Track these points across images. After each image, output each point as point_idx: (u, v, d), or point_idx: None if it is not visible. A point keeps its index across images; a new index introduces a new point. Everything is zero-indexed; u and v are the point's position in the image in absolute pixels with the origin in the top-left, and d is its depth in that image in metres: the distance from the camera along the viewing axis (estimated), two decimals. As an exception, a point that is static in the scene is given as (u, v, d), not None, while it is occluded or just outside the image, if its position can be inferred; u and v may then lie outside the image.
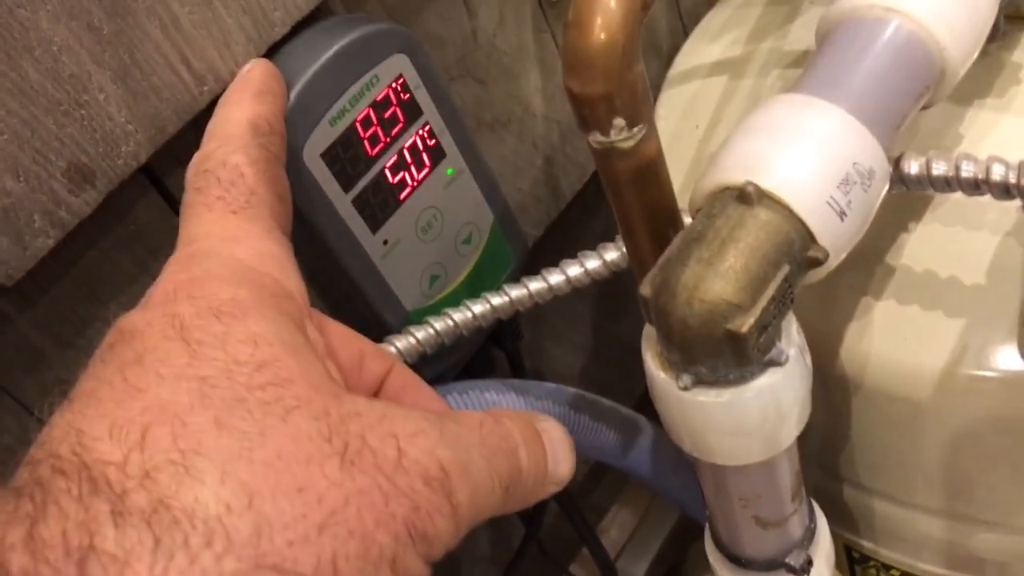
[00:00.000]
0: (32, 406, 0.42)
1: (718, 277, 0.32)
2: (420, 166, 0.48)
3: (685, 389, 0.34)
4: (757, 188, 0.33)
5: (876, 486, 0.55)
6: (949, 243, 0.46)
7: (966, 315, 0.44)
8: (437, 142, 0.49)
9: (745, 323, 0.32)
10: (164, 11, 0.40)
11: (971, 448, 0.48)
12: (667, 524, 0.85)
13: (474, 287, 0.54)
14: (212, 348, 0.26)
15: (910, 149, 0.40)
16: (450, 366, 0.55)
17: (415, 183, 0.49)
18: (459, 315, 0.50)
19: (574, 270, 0.50)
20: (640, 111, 0.32)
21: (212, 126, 0.35)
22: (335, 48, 0.43)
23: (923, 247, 0.46)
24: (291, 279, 0.30)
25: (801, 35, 0.57)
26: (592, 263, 0.49)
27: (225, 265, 0.29)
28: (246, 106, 0.34)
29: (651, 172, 0.34)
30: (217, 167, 0.32)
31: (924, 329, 0.45)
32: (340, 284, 0.48)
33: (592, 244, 0.72)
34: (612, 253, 0.49)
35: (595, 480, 0.84)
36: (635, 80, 0.32)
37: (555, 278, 0.50)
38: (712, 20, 0.64)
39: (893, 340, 0.46)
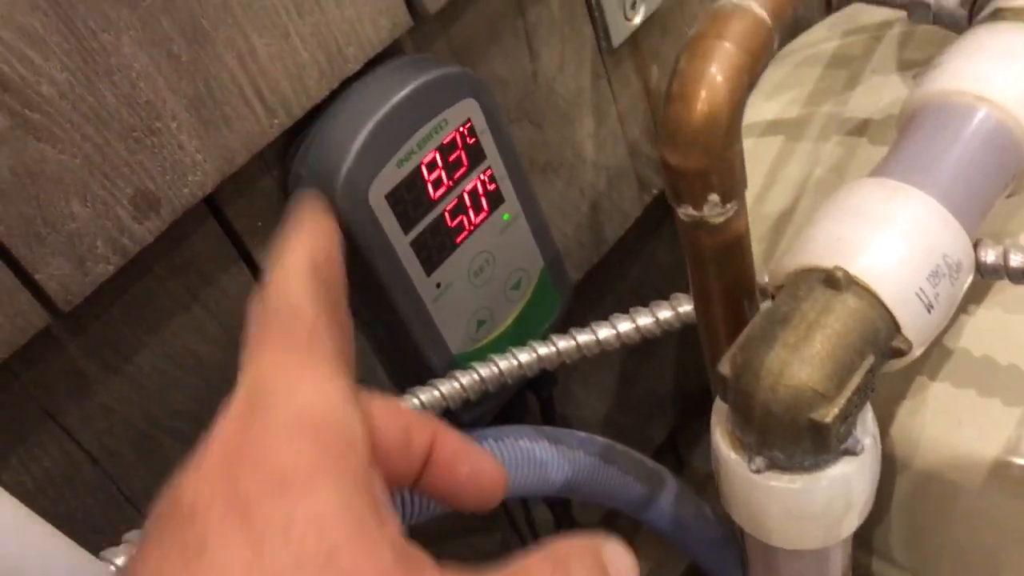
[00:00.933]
0: (74, 431, 0.41)
1: (804, 364, 0.31)
2: (478, 210, 0.48)
3: (757, 472, 0.34)
4: (846, 274, 0.33)
5: (909, 564, 0.54)
6: (1010, 329, 0.45)
7: (1024, 404, 0.44)
8: (497, 187, 0.48)
9: (830, 413, 0.31)
10: (243, 41, 0.39)
11: (1013, 537, 0.47)
12: (677, 574, 0.84)
13: (519, 333, 0.53)
14: (275, 538, 0.24)
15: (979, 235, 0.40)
16: (487, 411, 0.54)
17: (472, 227, 0.48)
18: (504, 363, 0.49)
19: (625, 326, 0.49)
20: (735, 188, 0.32)
21: (273, 258, 0.34)
22: (407, 90, 0.43)
23: (983, 331, 0.46)
24: (354, 425, 0.29)
25: (863, 103, 0.56)
26: (644, 320, 0.49)
27: (288, 417, 0.28)
28: (305, 239, 0.34)
29: (736, 248, 0.34)
30: (280, 303, 0.31)
31: (980, 415, 0.44)
32: (389, 325, 0.47)
33: (629, 289, 0.72)
34: (665, 312, 0.48)
35: (607, 528, 0.83)
36: (734, 157, 0.31)
37: (604, 332, 0.49)
38: (768, 77, 0.64)
39: (947, 423, 0.45)
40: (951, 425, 0.45)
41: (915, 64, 0.56)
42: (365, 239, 0.43)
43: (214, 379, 0.45)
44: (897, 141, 0.38)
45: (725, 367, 0.33)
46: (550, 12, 0.54)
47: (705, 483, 0.92)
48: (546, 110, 0.56)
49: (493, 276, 0.50)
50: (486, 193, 0.48)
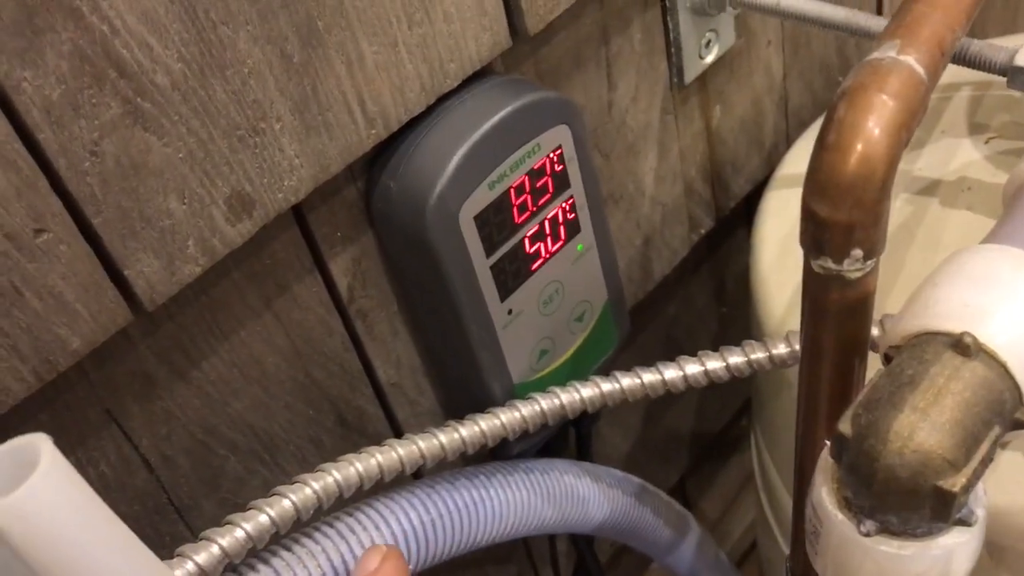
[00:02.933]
0: (134, 436, 0.39)
1: (935, 429, 0.30)
2: (556, 239, 0.47)
3: (867, 535, 0.33)
4: (975, 340, 0.32)
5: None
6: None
7: (1097, 480, 0.43)
8: (575, 216, 0.47)
9: (958, 482, 0.30)
10: (353, 48, 0.38)
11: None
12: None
13: (577, 365, 0.52)
14: None
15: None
16: (536, 443, 0.53)
17: (547, 255, 0.47)
18: (567, 396, 0.48)
19: (693, 368, 0.48)
20: (878, 245, 0.31)
21: None
22: (507, 111, 0.42)
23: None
24: None
25: (932, 162, 0.56)
26: (713, 364, 0.48)
27: None
28: None
29: (862, 306, 0.33)
30: None
31: (1050, 488, 0.44)
32: (456, 349, 0.46)
33: (664, 327, 0.71)
34: (736, 357, 0.48)
35: (616, 564, 0.82)
36: (882, 213, 0.30)
37: (671, 373, 0.48)
38: (827, 127, 0.64)
39: (1016, 493, 0.45)
40: (1021, 495, 0.45)
41: (986, 128, 0.56)
42: (448, 259, 0.42)
43: (274, 390, 0.44)
44: (1012, 208, 0.38)
45: (846, 426, 0.32)
46: (631, 44, 0.54)
47: (712, 528, 0.91)
48: (615, 141, 0.55)
49: (560, 306, 0.49)
50: (565, 222, 0.47)
